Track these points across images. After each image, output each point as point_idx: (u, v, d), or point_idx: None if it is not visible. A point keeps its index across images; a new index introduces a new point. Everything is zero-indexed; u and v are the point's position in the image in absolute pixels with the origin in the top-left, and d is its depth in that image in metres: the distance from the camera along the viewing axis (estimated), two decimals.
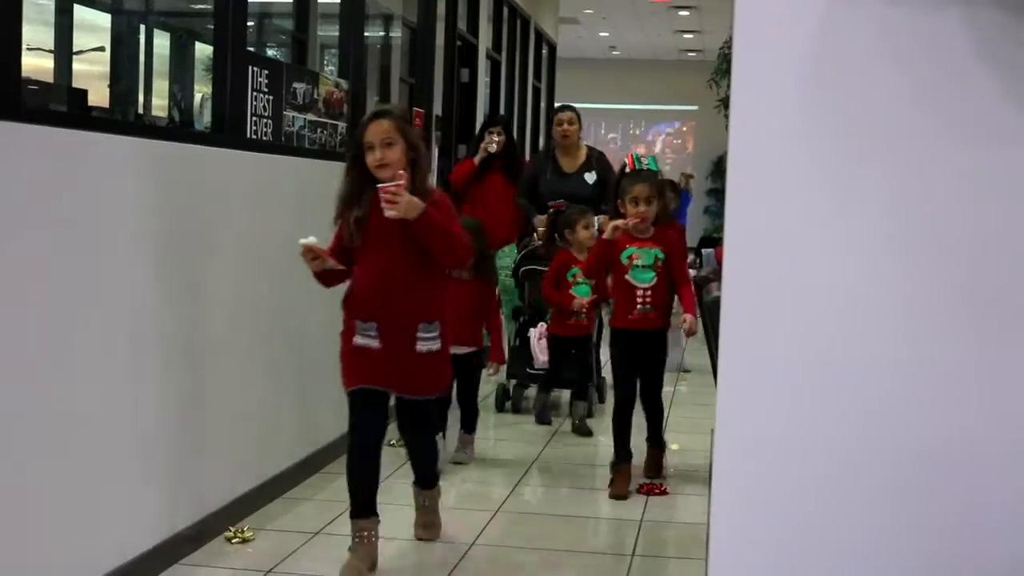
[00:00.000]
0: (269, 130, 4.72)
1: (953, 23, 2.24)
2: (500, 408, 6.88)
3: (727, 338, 2.37)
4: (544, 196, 6.81)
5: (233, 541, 4.21)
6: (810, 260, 2.32)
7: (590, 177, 6.84)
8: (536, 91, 13.20)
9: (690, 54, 20.44)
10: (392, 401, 4.06)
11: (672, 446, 5.75)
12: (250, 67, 4.55)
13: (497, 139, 7.34)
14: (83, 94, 5.50)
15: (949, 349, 2.28)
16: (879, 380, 2.31)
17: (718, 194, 19.60)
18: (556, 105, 7.67)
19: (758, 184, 2.34)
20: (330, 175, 5.13)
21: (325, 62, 7.64)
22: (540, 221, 6.73)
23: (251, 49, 5.65)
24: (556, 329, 6.29)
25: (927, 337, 2.29)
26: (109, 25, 8.16)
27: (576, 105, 7.07)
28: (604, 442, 6.22)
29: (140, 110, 8.18)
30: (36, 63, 6.85)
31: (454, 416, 5.66)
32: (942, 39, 2.25)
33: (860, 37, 2.28)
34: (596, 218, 6.17)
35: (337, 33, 5.93)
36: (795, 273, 2.33)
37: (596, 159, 6.94)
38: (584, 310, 6.03)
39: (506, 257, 7.01)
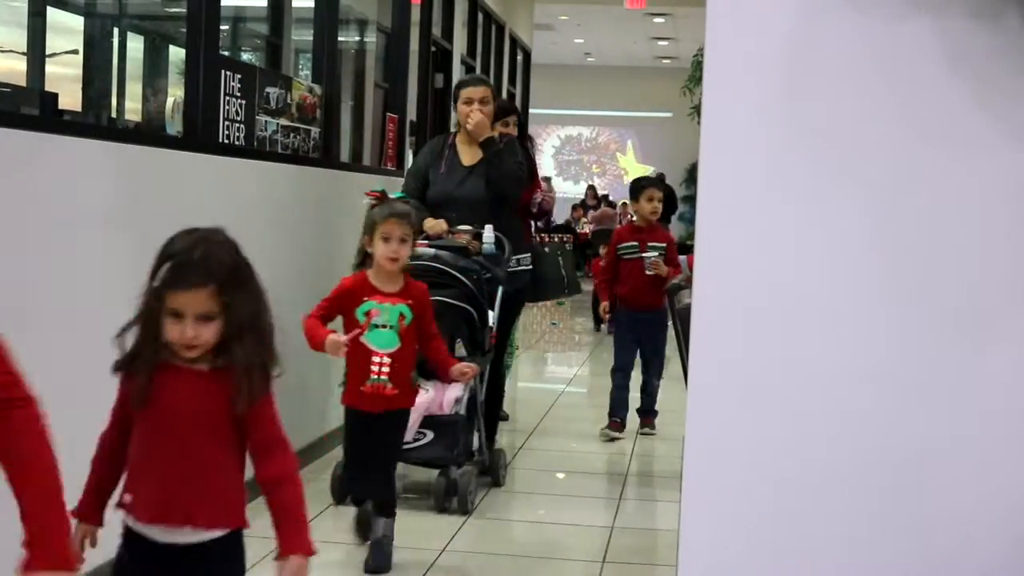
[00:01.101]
0: (241, 134, 4.71)
1: (924, 31, 2.26)
2: (339, 500, 4.74)
3: (697, 345, 2.37)
4: (431, 196, 5.16)
5: None
6: (781, 266, 2.33)
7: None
8: (511, 97, 13.20)
9: (665, 61, 20.55)
10: None
11: None
12: (223, 71, 4.54)
13: None
14: (54, 97, 5.46)
15: (921, 354, 2.29)
16: (850, 386, 2.32)
17: (691, 201, 19.68)
18: (463, 78, 5.99)
19: (729, 191, 2.34)
20: (302, 180, 5.13)
21: (299, 67, 7.62)
22: (432, 226, 5.01)
23: (225, 53, 5.63)
24: (349, 399, 4.01)
25: (898, 342, 2.30)
26: (82, 28, 8.13)
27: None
28: (578, 450, 6.22)
29: (113, 113, 8.15)
30: (8, 65, 6.82)
31: None
32: (912, 47, 2.26)
33: (830, 45, 2.29)
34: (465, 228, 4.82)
35: (311, 38, 5.92)
36: (766, 279, 2.34)
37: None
38: None
39: None
